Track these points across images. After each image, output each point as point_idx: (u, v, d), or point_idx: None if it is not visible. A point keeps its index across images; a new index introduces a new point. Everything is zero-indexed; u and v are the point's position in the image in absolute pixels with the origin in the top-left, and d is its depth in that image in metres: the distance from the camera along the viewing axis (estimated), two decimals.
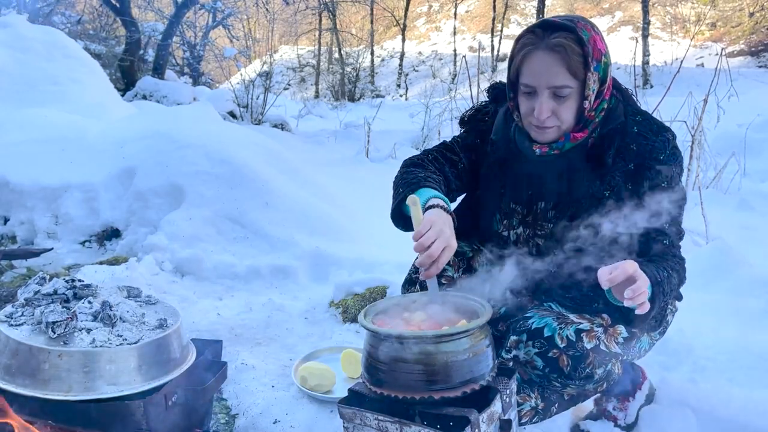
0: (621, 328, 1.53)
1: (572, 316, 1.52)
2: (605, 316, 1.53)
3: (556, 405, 1.59)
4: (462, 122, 1.81)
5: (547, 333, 1.48)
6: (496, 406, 1.33)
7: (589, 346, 1.46)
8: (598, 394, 1.75)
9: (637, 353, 1.60)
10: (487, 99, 1.80)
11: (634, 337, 1.55)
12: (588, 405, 1.81)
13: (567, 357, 1.46)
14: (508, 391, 1.39)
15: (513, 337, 1.53)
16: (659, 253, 1.50)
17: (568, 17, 1.49)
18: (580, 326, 1.48)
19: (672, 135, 1.54)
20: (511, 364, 1.54)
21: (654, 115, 4.16)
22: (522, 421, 1.56)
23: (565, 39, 1.43)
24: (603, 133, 1.55)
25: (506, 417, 1.37)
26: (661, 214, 1.50)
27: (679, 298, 1.69)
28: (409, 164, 1.67)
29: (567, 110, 1.49)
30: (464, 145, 1.76)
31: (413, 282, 1.78)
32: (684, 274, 1.53)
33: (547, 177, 1.61)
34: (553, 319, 1.50)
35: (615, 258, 1.37)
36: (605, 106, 1.54)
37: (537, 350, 1.49)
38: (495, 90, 1.77)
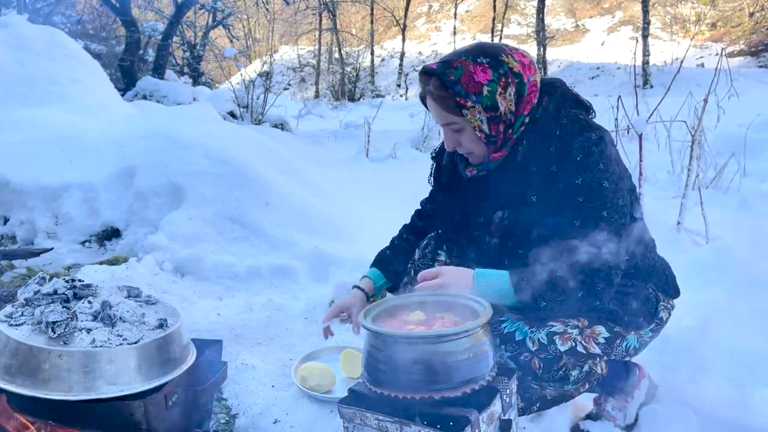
0: (601, 329, 1.54)
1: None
2: (582, 317, 1.55)
3: (538, 404, 1.61)
4: (432, 158, 1.96)
5: (518, 337, 1.51)
6: (496, 406, 1.34)
7: (563, 349, 1.49)
8: (596, 393, 1.75)
9: (623, 353, 1.61)
10: None
11: (618, 337, 1.57)
12: (588, 405, 1.81)
13: (539, 360, 1.49)
14: (508, 391, 1.39)
15: None
16: (562, 248, 1.49)
17: (447, 58, 1.56)
18: (553, 329, 1.51)
19: (596, 135, 1.52)
20: None
21: (654, 115, 4.13)
22: None
23: (432, 86, 1.55)
24: (531, 143, 1.58)
25: (506, 417, 1.37)
26: (574, 212, 1.51)
27: (671, 294, 1.69)
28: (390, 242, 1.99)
29: (467, 140, 1.59)
30: (432, 192, 1.94)
31: (411, 282, 1.81)
32: (590, 281, 1.46)
33: (488, 197, 1.66)
34: (524, 323, 1.53)
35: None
36: (525, 121, 1.57)
37: (510, 354, 1.51)
38: None
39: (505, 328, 1.53)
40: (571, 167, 1.51)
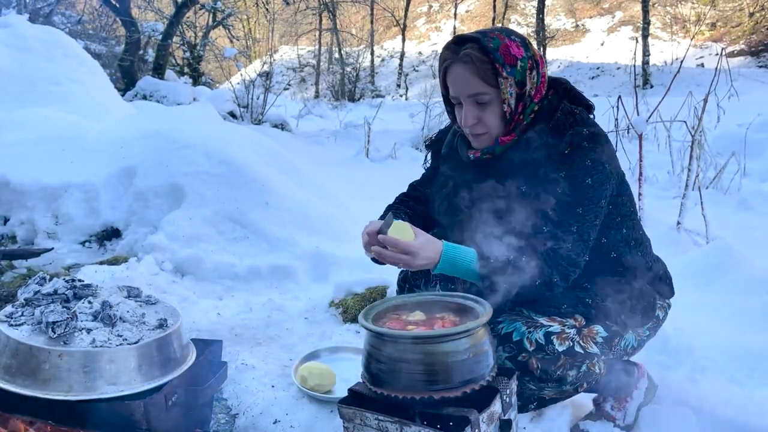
0: (598, 328, 1.54)
1: (542, 319, 1.53)
2: (578, 316, 1.55)
3: (535, 403, 1.61)
4: (426, 146, 1.95)
5: (516, 337, 1.50)
6: (496, 406, 1.34)
7: (560, 349, 1.48)
8: (596, 393, 1.75)
9: (622, 352, 1.61)
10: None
11: (616, 336, 1.57)
12: (587, 405, 1.81)
13: (536, 360, 1.48)
14: (508, 391, 1.39)
15: None
16: (531, 246, 1.50)
17: (482, 30, 1.59)
18: (550, 329, 1.50)
19: (588, 131, 1.53)
20: None
21: (654, 115, 4.13)
22: None
23: (471, 50, 1.53)
24: (530, 134, 1.58)
25: (506, 417, 1.37)
26: (548, 204, 1.51)
27: (667, 294, 1.69)
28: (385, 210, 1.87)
29: (491, 116, 1.57)
30: (424, 176, 1.92)
31: (406, 279, 1.85)
32: (549, 272, 1.48)
33: (483, 183, 1.65)
34: (522, 323, 1.52)
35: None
36: (535, 108, 1.59)
37: (507, 354, 1.50)
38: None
39: (502, 328, 1.52)
40: (558, 160, 1.52)
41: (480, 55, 1.52)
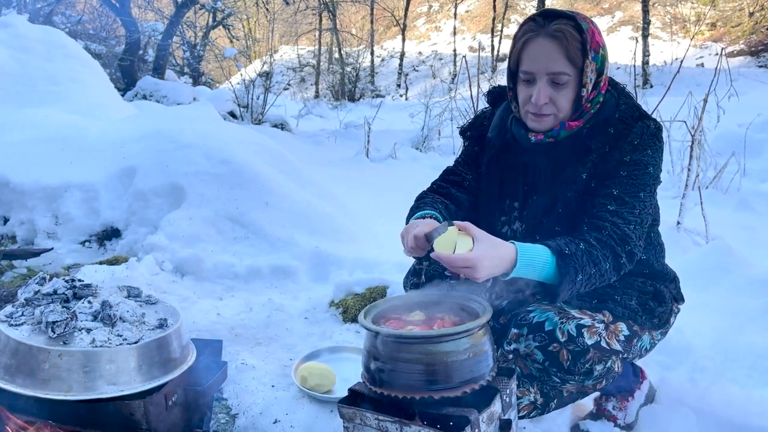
0: (622, 326, 1.54)
1: (573, 312, 1.52)
2: (606, 312, 1.54)
3: (555, 401, 1.59)
4: (462, 134, 1.86)
5: (548, 327, 1.48)
6: (496, 406, 1.34)
7: (590, 342, 1.47)
8: (598, 393, 1.75)
9: (638, 352, 1.61)
10: (487, 104, 1.84)
11: (635, 336, 1.56)
12: (588, 404, 1.81)
13: (567, 351, 1.47)
14: (508, 391, 1.39)
15: (514, 330, 1.54)
16: (594, 224, 1.48)
17: (568, 10, 1.54)
18: (581, 321, 1.49)
19: (654, 124, 1.55)
20: (511, 356, 1.55)
21: (654, 115, 4.15)
22: (520, 415, 1.57)
23: (565, 26, 1.48)
24: (594, 124, 1.58)
25: (506, 417, 1.37)
26: (612, 185, 1.51)
27: (680, 300, 1.70)
28: (415, 200, 1.75)
29: (564, 98, 1.52)
30: (465, 161, 1.82)
31: (417, 273, 1.79)
32: (620, 250, 1.45)
33: (540, 168, 1.62)
34: (554, 314, 1.50)
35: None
36: (601, 100, 1.57)
37: (537, 344, 1.49)
38: (493, 93, 1.82)
39: (534, 317, 1.51)
40: (626, 148, 1.52)
41: (574, 32, 1.47)
